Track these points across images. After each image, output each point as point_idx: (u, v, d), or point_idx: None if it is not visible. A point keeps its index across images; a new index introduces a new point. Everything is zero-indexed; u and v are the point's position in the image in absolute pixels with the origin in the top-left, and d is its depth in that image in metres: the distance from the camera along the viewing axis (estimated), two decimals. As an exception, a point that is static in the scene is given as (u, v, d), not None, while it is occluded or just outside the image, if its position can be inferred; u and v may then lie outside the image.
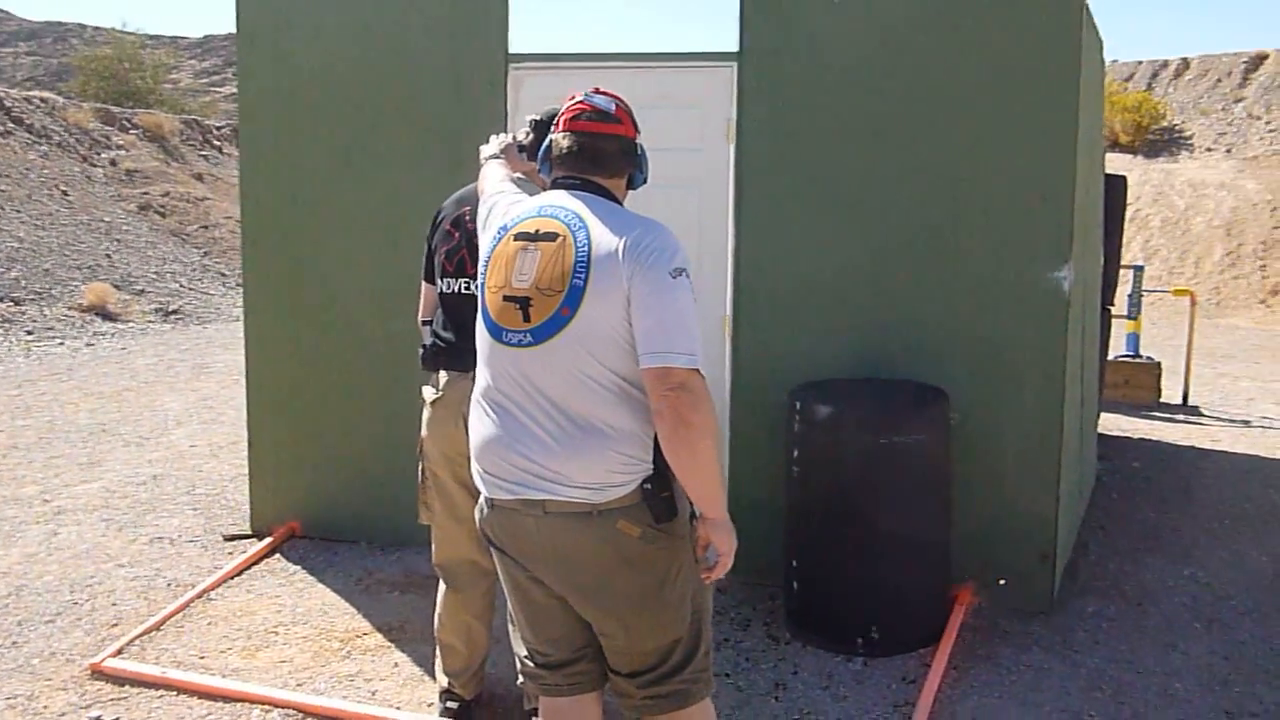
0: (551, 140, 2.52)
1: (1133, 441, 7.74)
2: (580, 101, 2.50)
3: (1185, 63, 27.16)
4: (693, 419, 2.24)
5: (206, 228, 18.93)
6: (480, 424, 2.48)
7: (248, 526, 5.35)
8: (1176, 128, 24.57)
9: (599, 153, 2.47)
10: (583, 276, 2.30)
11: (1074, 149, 4.24)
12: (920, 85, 4.37)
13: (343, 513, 5.17)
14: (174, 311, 14.74)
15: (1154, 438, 7.91)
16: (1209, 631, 4.31)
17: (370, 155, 4.96)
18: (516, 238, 2.44)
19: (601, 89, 2.54)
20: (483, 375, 2.50)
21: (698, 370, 2.26)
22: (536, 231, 2.41)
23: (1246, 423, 8.65)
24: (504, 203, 2.66)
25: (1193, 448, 7.59)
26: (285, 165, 5.10)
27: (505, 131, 4.58)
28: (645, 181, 2.60)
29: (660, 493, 2.35)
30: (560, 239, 2.36)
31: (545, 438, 2.35)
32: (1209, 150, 23.41)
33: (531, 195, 2.69)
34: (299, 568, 4.90)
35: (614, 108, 2.50)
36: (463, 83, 4.85)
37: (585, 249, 2.33)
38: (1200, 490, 6.40)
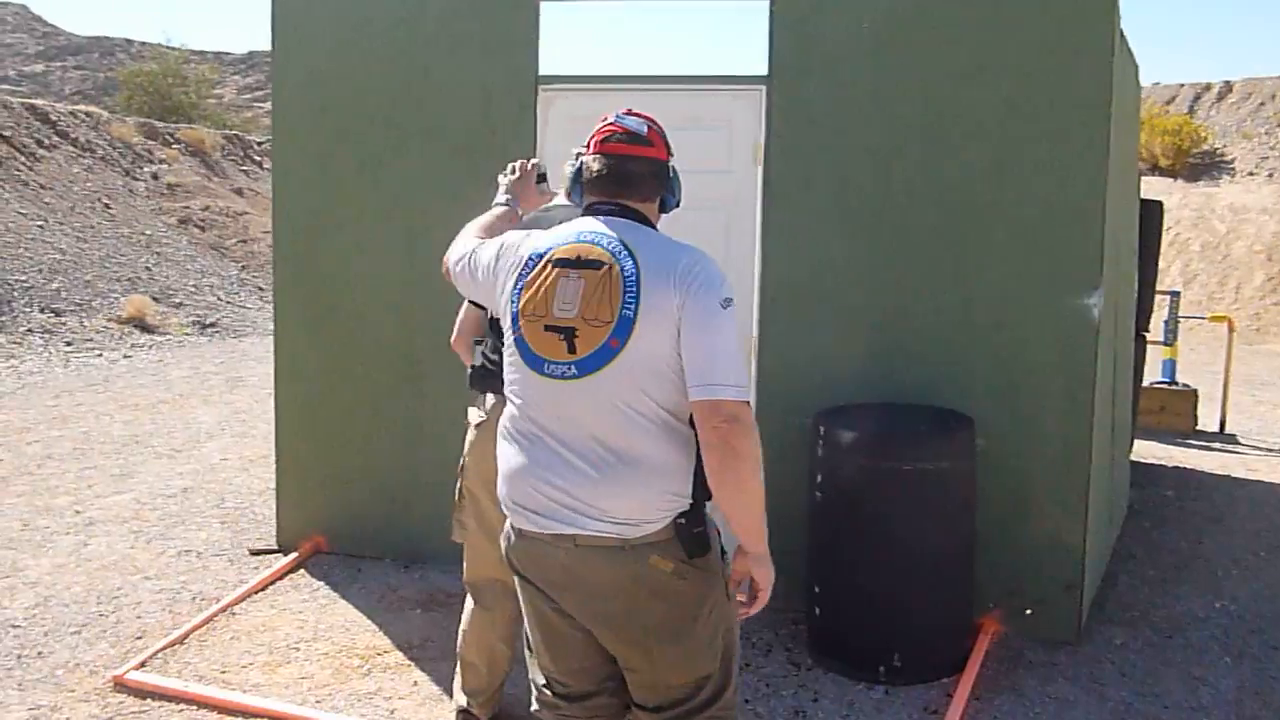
0: (582, 163, 2.46)
1: (1167, 469, 7.63)
2: (611, 123, 2.44)
3: (1228, 85, 26.86)
4: (744, 452, 2.20)
5: (245, 242, 19.16)
6: (510, 453, 2.42)
7: (274, 541, 5.39)
8: (1218, 151, 24.30)
9: (630, 176, 2.40)
10: (633, 307, 2.23)
11: (1105, 173, 4.20)
12: (946, 106, 4.35)
13: (367, 528, 5.20)
14: (211, 325, 14.92)
15: (1189, 465, 7.80)
16: (1239, 665, 4.23)
17: (399, 174, 5.01)
18: (556, 264, 2.34)
19: (633, 110, 2.48)
20: (513, 404, 2.42)
21: (747, 402, 2.24)
22: (578, 258, 2.32)
23: (1285, 451, 8.51)
24: (521, 236, 2.55)
25: (1228, 476, 7.48)
26: (316, 182, 5.15)
27: (534, 155, 4.63)
28: (678, 204, 2.53)
29: (694, 528, 2.31)
30: (605, 267, 2.28)
31: (585, 469, 2.29)
32: (1251, 174, 23.13)
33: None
34: (322, 583, 4.93)
35: (646, 129, 2.43)
36: (492, 103, 4.88)
37: (633, 277, 2.25)
38: (1234, 520, 6.29)
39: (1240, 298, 18.80)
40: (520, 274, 2.40)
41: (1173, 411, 9.07)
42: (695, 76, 4.84)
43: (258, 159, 23.26)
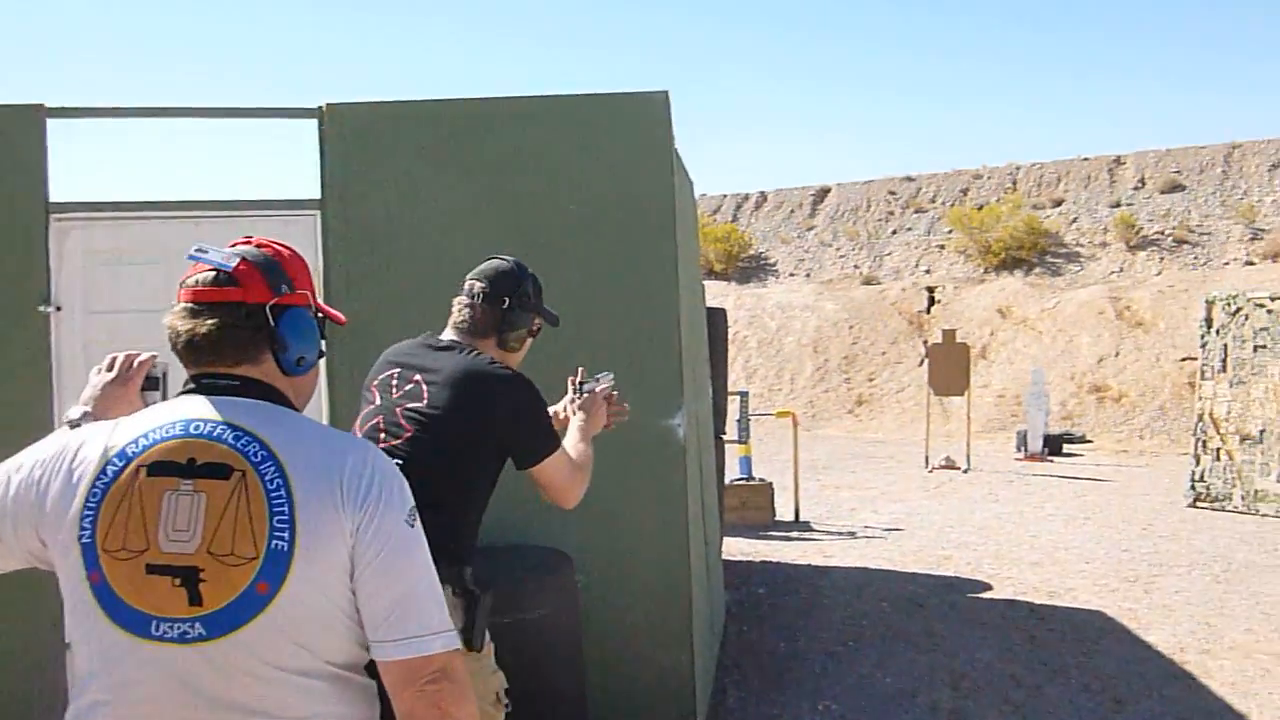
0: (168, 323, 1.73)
1: (755, 565, 7.88)
2: (192, 258, 1.74)
3: (763, 195, 29.82)
4: (460, 716, 1.64)
5: None
6: None
7: None
8: (763, 255, 26.74)
9: (223, 334, 1.69)
10: (286, 534, 1.58)
11: (676, 294, 4.19)
12: (522, 227, 4.17)
13: None
14: None
15: (774, 559, 8.11)
16: (849, 774, 4.25)
17: None
18: (154, 471, 1.61)
19: (250, 239, 1.80)
20: (91, 689, 1.61)
21: (459, 650, 1.69)
22: (191, 461, 1.61)
23: (852, 534, 9.12)
24: (81, 433, 1.72)
25: (810, 565, 7.84)
26: None
27: (52, 300, 3.91)
28: (305, 363, 1.78)
29: None
30: (237, 476, 1.60)
31: None
32: (792, 275, 25.63)
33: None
34: None
35: (235, 263, 1.71)
36: (-9, 237, 4.10)
37: (281, 491, 1.59)
38: (820, 612, 6.53)
39: (795, 387, 20.54)
40: (93, 488, 1.62)
41: (752, 506, 9.50)
42: (241, 201, 4.35)
43: None
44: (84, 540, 1.60)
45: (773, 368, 21.20)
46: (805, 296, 23.15)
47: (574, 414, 2.95)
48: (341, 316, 1.92)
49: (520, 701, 3.66)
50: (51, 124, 4.13)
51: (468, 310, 2.78)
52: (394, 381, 2.70)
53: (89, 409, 1.94)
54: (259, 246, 1.78)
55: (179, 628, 1.57)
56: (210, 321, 1.68)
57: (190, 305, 1.70)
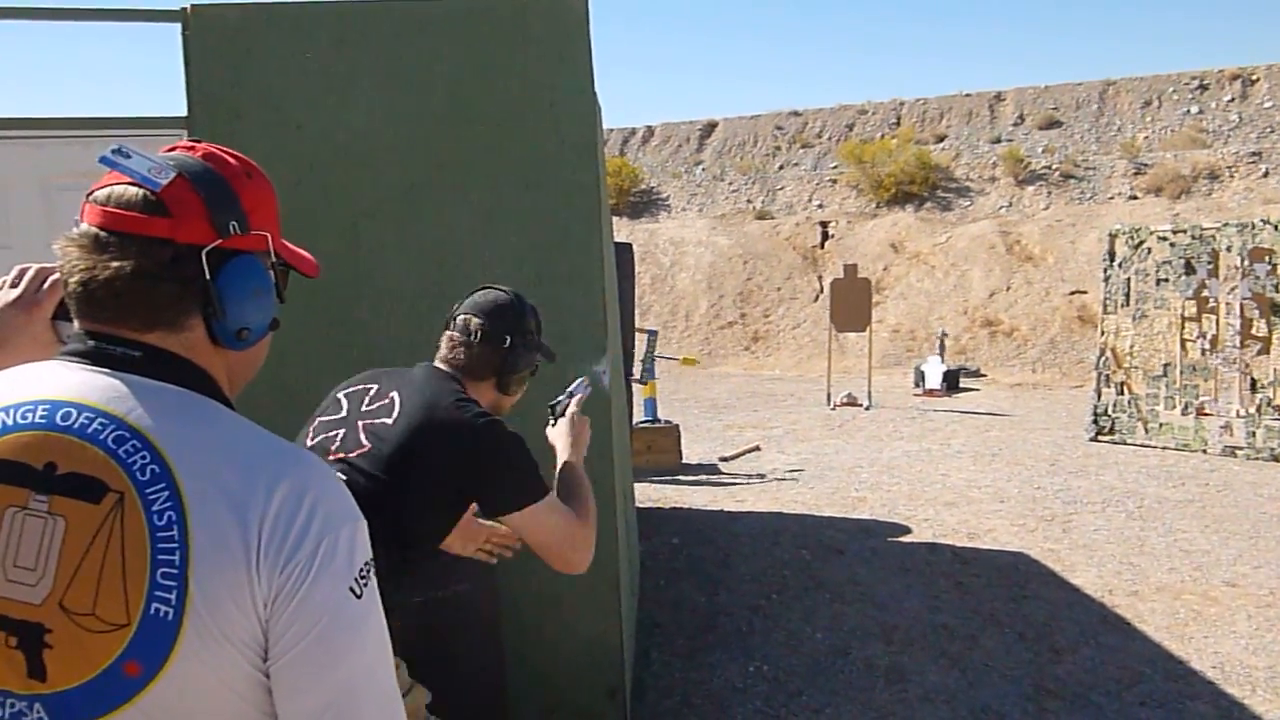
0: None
1: (666, 513, 7.56)
2: (107, 166, 1.19)
3: (650, 130, 29.30)
4: None
5: None
6: None
7: None
8: (654, 190, 26.29)
9: (137, 287, 1.15)
10: (172, 596, 1.07)
11: (599, 227, 3.75)
12: (422, 155, 3.66)
13: None
14: None
15: (684, 504, 7.80)
16: (790, 743, 3.96)
17: None
18: None
19: (195, 144, 1.26)
20: None
21: None
22: (49, 469, 1.10)
23: (762, 476, 8.87)
24: None
25: (722, 511, 7.55)
26: None
27: None
28: (252, 335, 1.25)
29: None
30: (112, 499, 1.09)
31: None
32: (684, 210, 25.26)
33: None
34: None
35: (168, 180, 1.16)
36: None
37: (173, 530, 1.08)
38: (739, 562, 6.24)
39: (690, 325, 20.29)
40: None
41: (659, 449, 9.17)
42: (93, 119, 3.74)
43: None
44: None
45: (667, 305, 20.89)
46: (698, 232, 22.83)
47: (555, 442, 2.52)
48: (313, 261, 1.37)
49: (440, 684, 3.27)
50: None
51: (462, 350, 2.36)
52: (370, 394, 2.29)
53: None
54: (204, 158, 1.23)
55: (13, 706, 1.08)
56: (117, 263, 1.14)
57: (96, 232, 1.16)
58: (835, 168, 24.64)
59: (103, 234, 1.16)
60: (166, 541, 1.08)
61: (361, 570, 1.15)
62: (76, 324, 1.20)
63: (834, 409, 13.03)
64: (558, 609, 3.76)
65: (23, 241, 3.44)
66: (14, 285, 1.42)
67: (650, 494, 8.09)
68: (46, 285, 1.42)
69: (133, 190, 1.16)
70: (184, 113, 3.57)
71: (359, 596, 1.14)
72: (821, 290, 19.63)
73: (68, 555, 1.08)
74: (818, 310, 19.10)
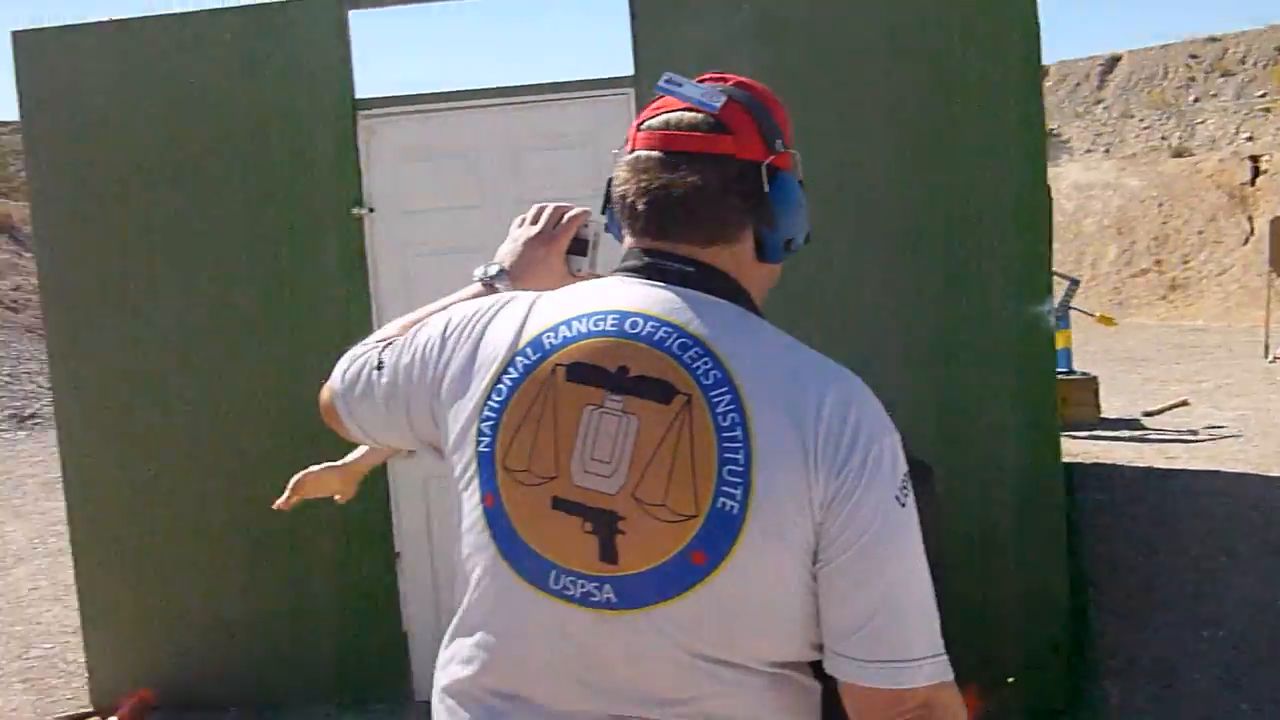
0: (612, 180, 1.33)
1: (1088, 467, 7.15)
2: (661, 94, 1.29)
3: (1044, 69, 27.51)
4: None
5: (62, 320, 17.55)
6: None
7: (88, 701, 4.34)
8: (1054, 131, 24.71)
9: (687, 199, 1.23)
10: (738, 493, 1.14)
11: (1044, 153, 3.58)
12: (854, 93, 3.65)
13: (205, 674, 4.20)
14: (29, 416, 13.40)
15: (1107, 461, 7.34)
16: (1260, 714, 3.63)
17: (195, 235, 4.04)
18: (572, 375, 1.21)
19: (724, 75, 1.32)
20: (477, 628, 1.27)
21: (951, 681, 1.20)
22: (622, 372, 1.19)
23: (1194, 433, 8.17)
24: (497, 301, 1.33)
25: (1151, 469, 7.04)
26: (90, 254, 4.14)
27: (363, 199, 3.78)
28: (794, 246, 1.32)
29: None
30: (681, 401, 1.17)
31: None
32: (1089, 151, 23.59)
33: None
34: (151, 753, 3.94)
35: (721, 102, 1.25)
36: (302, 137, 3.98)
37: (737, 432, 1.15)
38: (1178, 522, 5.79)
39: (1097, 273, 19.00)
40: (498, 384, 1.24)
41: (1076, 402, 8.64)
42: (547, 84, 4.04)
43: (71, 229, 21.54)
44: (482, 449, 1.23)
45: (1071, 252, 19.62)
46: (1105, 174, 21.23)
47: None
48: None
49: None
50: (354, 15, 3.94)
51: None
52: None
53: (505, 266, 1.51)
54: (738, 85, 1.29)
55: (583, 586, 1.18)
56: (691, 178, 1.22)
57: (661, 154, 1.24)
58: (1263, 95, 21.98)
59: (668, 155, 1.24)
60: (731, 441, 1.15)
61: (903, 480, 1.18)
62: (631, 241, 1.31)
63: (1273, 361, 11.73)
64: (996, 559, 3.66)
65: (492, 200, 3.77)
66: (534, 222, 1.56)
67: (1071, 448, 7.67)
68: (566, 220, 1.56)
69: (691, 114, 1.25)
70: (630, 71, 3.77)
71: (903, 505, 1.17)
72: (1253, 231, 17.68)
73: (640, 451, 1.17)
74: (1247, 254, 17.23)
